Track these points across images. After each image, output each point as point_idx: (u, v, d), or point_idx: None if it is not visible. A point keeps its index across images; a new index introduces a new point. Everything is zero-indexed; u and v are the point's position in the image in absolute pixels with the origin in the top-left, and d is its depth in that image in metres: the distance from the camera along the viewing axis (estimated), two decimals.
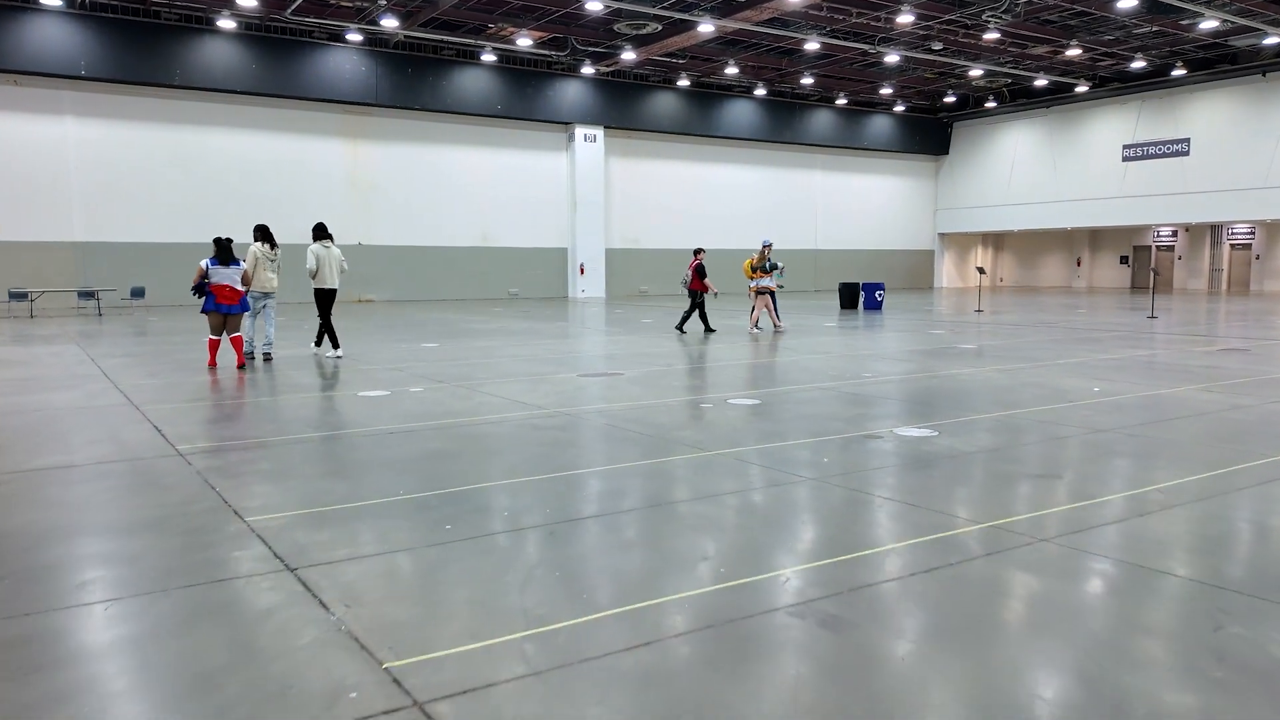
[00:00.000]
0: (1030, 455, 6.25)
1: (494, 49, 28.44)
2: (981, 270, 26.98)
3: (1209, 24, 25.71)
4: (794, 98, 36.65)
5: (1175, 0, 23.29)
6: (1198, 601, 3.47)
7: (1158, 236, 38.68)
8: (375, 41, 27.58)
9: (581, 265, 32.34)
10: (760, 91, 35.02)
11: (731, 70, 31.11)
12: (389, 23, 24.90)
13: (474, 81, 29.84)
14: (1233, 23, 25.55)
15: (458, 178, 30.51)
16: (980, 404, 8.34)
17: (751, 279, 16.69)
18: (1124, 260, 40.19)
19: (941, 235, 42.60)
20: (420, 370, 10.90)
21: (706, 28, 24.90)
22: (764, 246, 16.81)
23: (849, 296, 24.09)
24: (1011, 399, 8.57)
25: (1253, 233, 35.60)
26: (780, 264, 17.05)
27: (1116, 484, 5.38)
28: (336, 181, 28.43)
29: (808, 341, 14.82)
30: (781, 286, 17.22)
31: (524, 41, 27.59)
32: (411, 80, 28.73)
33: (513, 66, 30.21)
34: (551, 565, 3.87)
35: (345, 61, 27.61)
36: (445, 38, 27.12)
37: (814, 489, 5.26)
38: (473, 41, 27.61)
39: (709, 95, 34.86)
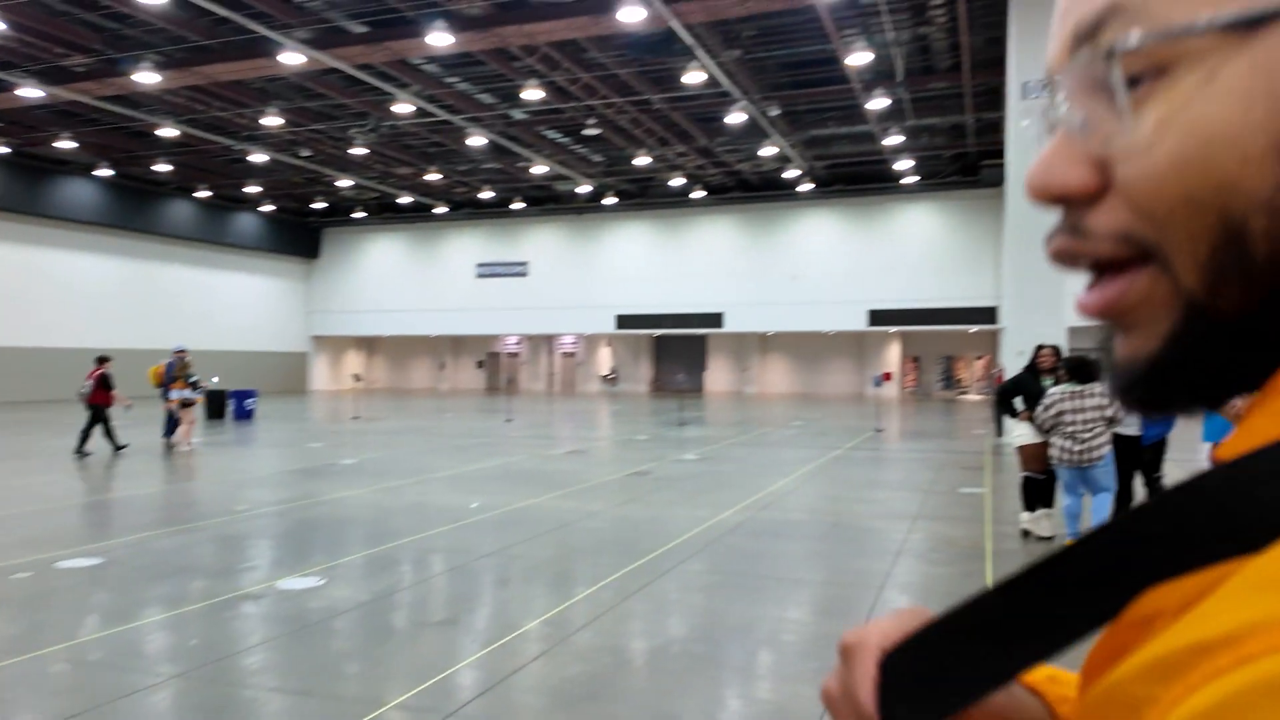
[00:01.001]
0: (421, 598, 6.06)
1: None
2: (357, 377, 27.29)
3: (539, 169, 30.38)
4: (149, 184, 33.02)
5: (512, 146, 27.03)
6: None
7: (506, 344, 43.81)
8: None
9: None
10: (107, 172, 30.79)
11: (70, 144, 26.74)
12: None
13: None
14: (557, 171, 30.61)
15: None
16: (368, 534, 7.97)
17: (168, 389, 15.16)
18: (480, 364, 44.54)
19: (315, 338, 42.18)
20: None
21: (32, 92, 21.03)
22: (178, 353, 15.55)
23: (216, 405, 22.02)
24: (398, 526, 8.38)
25: (577, 343, 42.54)
26: (195, 377, 15.53)
27: (507, 620, 5.44)
28: None
29: (167, 464, 12.91)
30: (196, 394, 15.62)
31: None
32: None
33: None
34: None
35: None
36: None
37: (175, 696, 4.25)
38: None
39: (40, 169, 29.45)
